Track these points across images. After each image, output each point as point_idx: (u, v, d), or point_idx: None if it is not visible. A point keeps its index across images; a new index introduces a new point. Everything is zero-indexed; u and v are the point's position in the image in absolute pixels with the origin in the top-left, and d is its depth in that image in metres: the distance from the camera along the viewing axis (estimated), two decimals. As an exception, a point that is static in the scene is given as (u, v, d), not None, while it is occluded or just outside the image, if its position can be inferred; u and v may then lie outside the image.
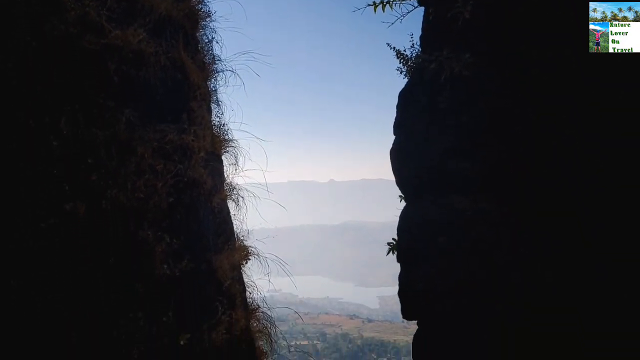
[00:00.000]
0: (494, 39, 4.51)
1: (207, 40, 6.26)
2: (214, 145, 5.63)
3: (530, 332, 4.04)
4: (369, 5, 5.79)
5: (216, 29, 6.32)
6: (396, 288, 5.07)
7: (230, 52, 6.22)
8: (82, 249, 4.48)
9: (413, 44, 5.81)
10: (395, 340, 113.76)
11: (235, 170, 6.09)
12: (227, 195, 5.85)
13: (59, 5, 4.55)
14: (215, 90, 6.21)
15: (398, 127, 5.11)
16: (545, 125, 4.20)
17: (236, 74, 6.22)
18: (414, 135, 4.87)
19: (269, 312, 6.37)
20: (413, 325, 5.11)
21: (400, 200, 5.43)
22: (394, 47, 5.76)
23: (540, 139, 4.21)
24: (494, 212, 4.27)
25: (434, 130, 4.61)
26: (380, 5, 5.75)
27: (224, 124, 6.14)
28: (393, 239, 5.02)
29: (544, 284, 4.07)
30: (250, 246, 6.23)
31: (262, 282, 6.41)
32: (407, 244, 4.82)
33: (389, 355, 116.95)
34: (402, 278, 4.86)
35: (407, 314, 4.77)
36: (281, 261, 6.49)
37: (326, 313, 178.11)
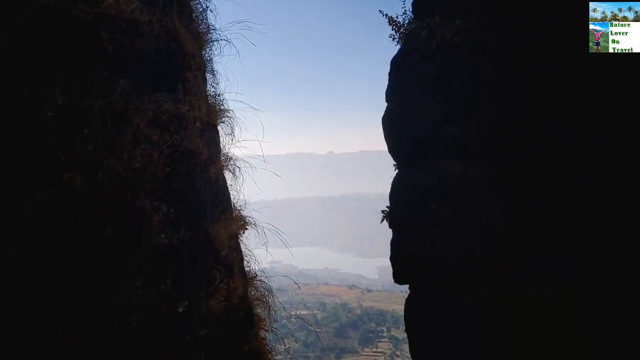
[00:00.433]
0: (485, 4, 4.48)
1: (201, 9, 6.21)
2: (210, 115, 5.63)
3: (521, 300, 4.12)
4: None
5: (210, -2, 6.27)
6: (395, 259, 5.16)
7: (225, 21, 6.17)
8: (80, 219, 4.53)
9: (405, 11, 5.77)
10: (394, 309, 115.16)
11: (232, 140, 6.10)
12: (223, 166, 5.88)
13: (50, -27, 4.49)
14: (210, 59, 6.18)
15: (390, 95, 5.11)
16: (537, 92, 4.20)
17: (231, 44, 6.18)
18: (405, 102, 4.87)
19: (267, 281, 6.45)
20: (412, 295, 5.20)
21: (395, 169, 5.46)
22: (386, 14, 5.71)
23: (532, 106, 4.22)
24: (485, 177, 4.31)
25: (425, 97, 4.61)
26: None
27: (219, 94, 6.14)
28: (387, 206, 5.07)
29: (535, 249, 4.13)
30: (247, 216, 6.28)
31: (261, 253, 6.48)
32: (399, 210, 4.88)
33: (387, 324, 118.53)
34: (394, 243, 4.92)
35: (399, 278, 4.85)
36: (278, 231, 6.54)
37: (325, 283, 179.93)
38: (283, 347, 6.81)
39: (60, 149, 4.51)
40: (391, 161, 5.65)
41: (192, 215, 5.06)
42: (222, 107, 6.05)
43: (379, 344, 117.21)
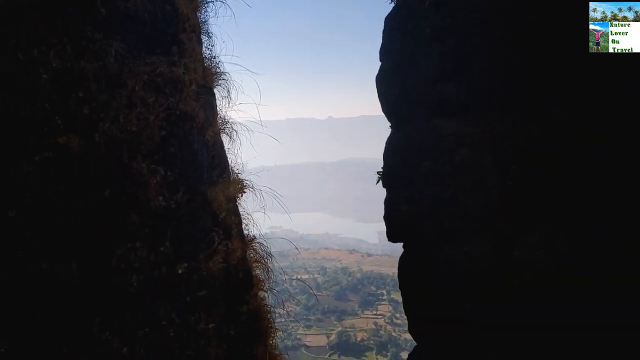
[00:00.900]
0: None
1: (194, -30, 6.11)
2: (205, 77, 5.61)
3: (514, 255, 4.20)
4: None
5: (204, -43, 6.15)
6: (395, 223, 5.21)
7: (219, -18, 6.07)
8: (78, 182, 4.57)
9: (399, -34, 5.63)
10: (393, 273, 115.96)
11: (228, 103, 6.08)
12: (220, 129, 5.88)
13: None
14: (205, 21, 6.11)
15: (384, 54, 5.08)
16: (534, 47, 4.19)
17: (226, 5, 6.11)
18: (399, 61, 4.85)
19: (266, 244, 6.51)
20: (411, 259, 5.28)
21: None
22: (380, -30, 5.61)
23: (527, 63, 4.21)
24: (479, 136, 4.33)
25: (419, 55, 4.59)
26: None
27: (214, 57, 6.09)
28: (382, 167, 5.10)
29: (527, 204, 4.20)
30: (245, 179, 6.30)
31: (261, 218, 6.51)
32: (393, 169, 4.91)
33: (387, 287, 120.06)
34: (387, 201, 4.97)
35: (392, 236, 4.91)
36: (276, 194, 6.56)
37: (326, 248, 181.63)
38: (284, 309, 6.92)
39: (56, 112, 4.52)
40: (391, 126, 5.66)
41: (190, 178, 5.09)
42: (218, 70, 6.02)
43: (379, 307, 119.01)
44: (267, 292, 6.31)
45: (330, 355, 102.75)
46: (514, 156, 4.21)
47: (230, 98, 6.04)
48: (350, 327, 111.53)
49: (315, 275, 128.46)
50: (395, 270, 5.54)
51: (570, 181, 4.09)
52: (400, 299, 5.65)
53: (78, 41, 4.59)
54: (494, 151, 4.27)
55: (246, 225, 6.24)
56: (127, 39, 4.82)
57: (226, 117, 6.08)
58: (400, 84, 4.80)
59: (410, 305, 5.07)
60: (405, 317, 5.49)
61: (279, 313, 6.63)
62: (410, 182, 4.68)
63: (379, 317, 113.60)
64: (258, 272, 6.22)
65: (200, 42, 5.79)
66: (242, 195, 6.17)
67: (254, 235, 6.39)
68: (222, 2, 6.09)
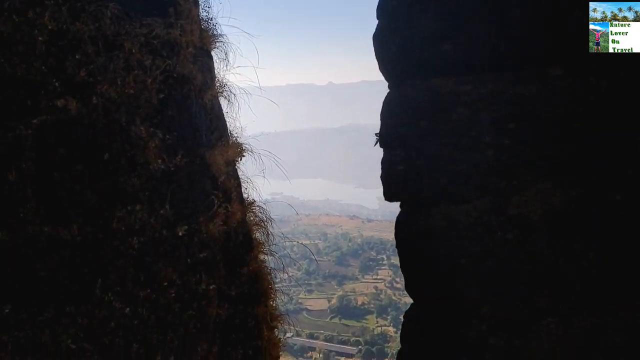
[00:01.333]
0: None
1: None
2: (203, 40, 5.56)
3: (507, 213, 4.26)
4: None
5: None
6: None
7: (216, -60, 5.96)
8: (77, 145, 4.58)
9: None
10: (394, 238, 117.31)
11: (226, 66, 6.03)
12: (218, 92, 5.85)
13: None
14: (202, -18, 6.02)
15: (380, 11, 5.01)
16: (532, 2, 4.15)
17: (222, -36, 6.00)
18: (395, 18, 4.78)
19: (266, 209, 6.55)
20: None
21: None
22: None
23: (526, 20, 4.17)
24: (476, 94, 4.32)
25: (416, 12, 4.53)
26: None
27: (211, 18, 6.01)
28: (380, 127, 5.10)
29: (524, 162, 4.24)
30: (244, 143, 6.30)
31: (262, 184, 6.54)
32: (390, 128, 4.90)
33: (387, 252, 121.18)
34: (384, 162, 4.98)
35: (388, 195, 4.94)
36: (277, 159, 6.57)
37: (327, 214, 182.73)
38: (286, 274, 7.01)
39: (53, 75, 4.51)
40: (392, 91, 5.62)
41: (188, 141, 5.10)
42: (215, 32, 5.95)
43: (379, 271, 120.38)
44: (267, 255, 6.38)
45: (331, 319, 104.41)
46: (511, 115, 4.23)
47: (228, 61, 5.99)
48: (350, 291, 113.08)
49: (316, 241, 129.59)
50: (396, 236, 5.57)
51: (568, 138, 4.12)
52: (400, 264, 5.75)
53: (73, 3, 4.55)
54: (491, 110, 4.28)
55: (245, 189, 6.27)
56: (122, 0, 4.77)
57: (224, 81, 6.05)
58: (397, 42, 4.75)
59: (406, 263, 5.14)
60: (405, 281, 5.57)
61: (281, 278, 6.72)
62: (407, 142, 4.68)
63: (379, 281, 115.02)
64: (258, 235, 6.28)
65: (196, 4, 5.71)
66: (241, 159, 6.19)
67: (253, 199, 6.43)
68: (218, -39, 5.99)
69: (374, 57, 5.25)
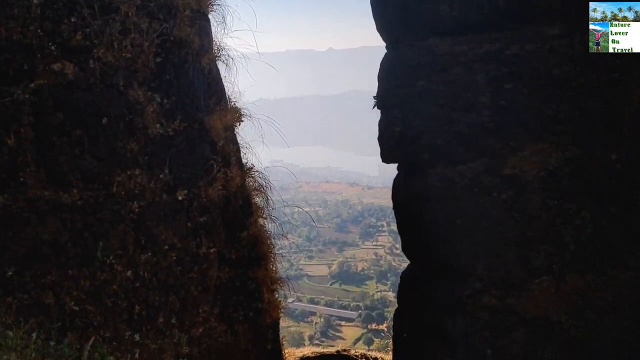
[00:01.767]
0: None
1: None
2: (200, 2, 5.47)
3: (502, 173, 4.28)
4: None
5: None
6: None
7: None
8: (75, 109, 4.58)
9: None
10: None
11: (224, 30, 5.95)
12: (216, 56, 5.79)
13: None
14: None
15: (377, -29, 4.95)
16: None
17: None
18: (393, -23, 4.74)
19: (266, 174, 6.53)
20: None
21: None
22: None
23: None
24: (472, 54, 4.31)
25: (412, -28, 4.49)
26: None
27: (208, -20, 5.90)
28: (377, 89, 5.07)
29: (520, 122, 4.25)
30: (243, 108, 6.25)
31: (262, 151, 6.51)
32: (386, 90, 4.89)
33: (387, 219, 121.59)
34: (381, 123, 4.98)
35: (386, 156, 4.95)
36: (276, 123, 6.53)
37: (327, 181, 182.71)
38: (286, 241, 7.05)
39: (49, 38, 4.48)
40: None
41: (186, 105, 5.09)
42: (211, -6, 5.85)
43: (379, 238, 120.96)
44: (266, 219, 6.40)
45: (331, 284, 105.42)
46: (508, 75, 4.22)
47: (226, 24, 5.90)
48: (350, 258, 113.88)
49: (317, 208, 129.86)
50: (396, 203, 5.56)
51: (565, 98, 4.12)
52: (400, 229, 5.77)
53: (67, -36, 4.48)
54: (488, 70, 4.27)
55: (244, 154, 6.25)
56: (118, -38, 4.70)
57: (222, 44, 5.97)
58: (394, 2, 4.70)
59: (403, 225, 5.19)
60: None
61: (282, 244, 6.75)
62: (404, 102, 4.68)
63: (379, 247, 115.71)
64: (257, 200, 6.29)
65: (193, -34, 5.62)
66: (239, 124, 6.15)
67: (252, 164, 6.41)
68: None
69: (373, 22, 5.17)
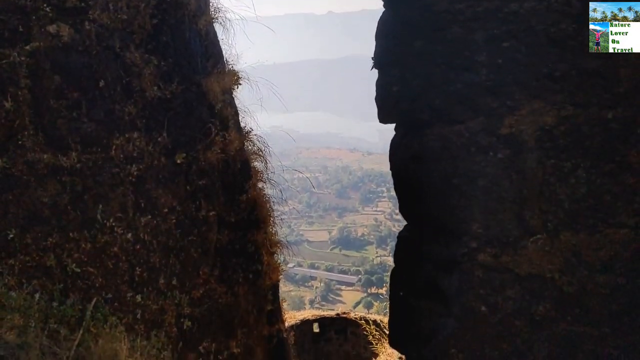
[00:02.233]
0: None
1: None
2: (195, -37, 5.39)
3: (499, 133, 4.29)
4: None
5: None
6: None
7: None
8: (71, 72, 4.56)
9: None
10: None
11: (221, -10, 5.86)
12: (213, 18, 5.73)
13: None
14: None
15: None
16: None
17: None
18: None
19: (266, 140, 6.52)
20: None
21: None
22: None
23: None
24: (470, 12, 4.26)
25: None
26: None
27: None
28: (375, 49, 5.03)
29: (518, 81, 4.24)
30: (240, 71, 6.21)
31: (262, 117, 6.49)
32: (384, 49, 4.85)
33: (387, 185, 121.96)
34: (379, 83, 4.96)
35: (383, 117, 4.95)
36: (274, 86, 6.49)
37: (327, 147, 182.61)
38: (286, 206, 7.08)
39: (44, 0, 4.43)
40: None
41: (184, 67, 5.06)
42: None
43: (379, 204, 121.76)
44: (265, 183, 6.43)
45: (331, 250, 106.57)
46: (506, 33, 4.19)
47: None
48: (351, 223, 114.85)
49: (317, 174, 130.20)
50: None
51: (562, 56, 4.10)
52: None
53: None
54: (486, 29, 4.23)
55: (243, 117, 6.24)
56: None
57: (219, 6, 5.90)
58: (392, -43, 4.64)
59: (400, 185, 5.22)
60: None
61: (282, 210, 6.79)
62: (402, 62, 4.64)
63: (379, 213, 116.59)
64: (256, 163, 6.30)
65: None
66: (237, 87, 6.12)
67: (251, 128, 6.39)
68: None
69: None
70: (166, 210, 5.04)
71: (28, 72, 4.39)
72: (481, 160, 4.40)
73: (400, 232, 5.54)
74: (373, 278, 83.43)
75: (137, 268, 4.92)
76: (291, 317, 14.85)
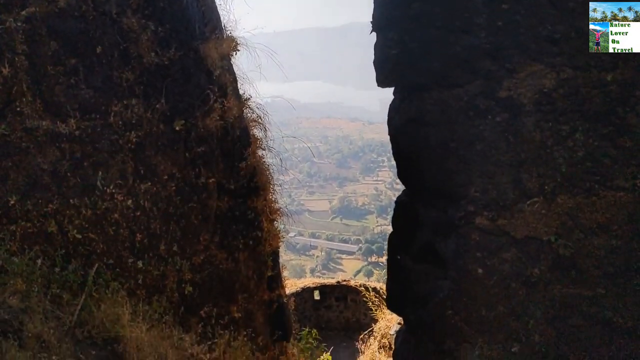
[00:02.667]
0: None
1: None
2: None
3: (498, 95, 4.28)
4: None
5: None
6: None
7: None
8: (68, 38, 4.53)
9: None
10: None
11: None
12: (210, -18, 5.65)
13: None
14: None
15: None
16: None
17: None
18: None
19: (267, 110, 6.48)
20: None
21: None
22: None
23: None
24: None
25: None
26: None
27: None
28: (373, 12, 4.98)
29: (517, 44, 4.22)
30: (239, 37, 6.15)
31: (262, 87, 6.43)
32: (382, 12, 4.81)
33: (388, 154, 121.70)
34: (377, 46, 4.93)
35: (381, 80, 4.93)
36: (273, 53, 6.41)
37: (327, 117, 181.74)
38: (287, 176, 7.08)
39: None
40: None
41: (181, 33, 5.01)
42: None
43: (380, 173, 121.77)
44: (265, 150, 6.42)
45: (332, 219, 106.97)
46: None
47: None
48: (351, 193, 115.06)
49: (317, 144, 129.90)
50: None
51: (562, 18, 4.07)
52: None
53: None
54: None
55: (242, 85, 6.20)
56: None
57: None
58: None
59: (398, 150, 5.23)
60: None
61: (283, 179, 6.80)
62: (400, 25, 4.61)
63: (380, 182, 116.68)
64: (255, 131, 6.29)
65: None
66: (236, 54, 6.06)
67: (250, 95, 6.36)
68: None
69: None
70: (166, 177, 5.07)
71: (25, 38, 4.36)
72: (479, 123, 4.40)
73: (398, 197, 5.58)
74: (373, 247, 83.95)
75: (138, 234, 4.96)
76: (292, 284, 15.04)
